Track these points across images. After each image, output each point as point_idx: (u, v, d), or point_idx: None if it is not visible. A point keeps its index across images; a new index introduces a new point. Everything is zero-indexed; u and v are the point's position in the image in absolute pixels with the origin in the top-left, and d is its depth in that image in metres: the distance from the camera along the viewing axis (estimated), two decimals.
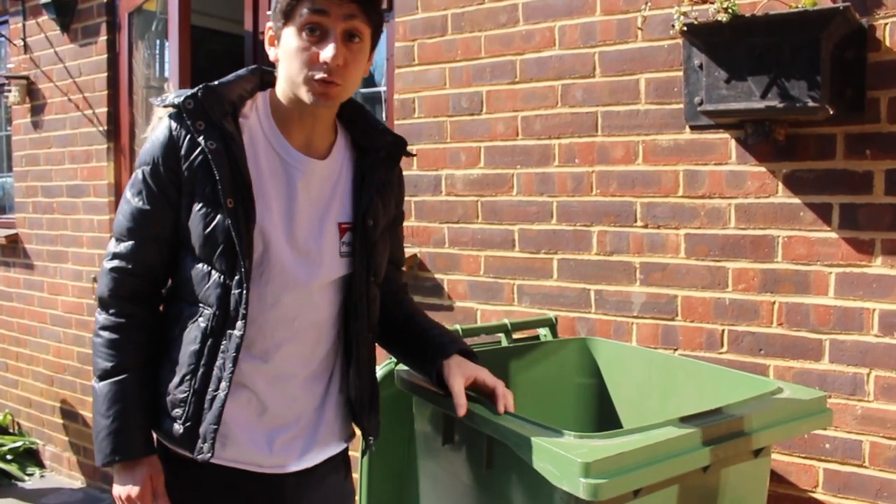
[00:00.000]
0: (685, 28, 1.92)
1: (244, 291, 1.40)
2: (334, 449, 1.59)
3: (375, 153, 1.54)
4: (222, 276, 1.41)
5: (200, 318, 1.43)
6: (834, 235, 1.98)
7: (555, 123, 2.40)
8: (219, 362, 1.42)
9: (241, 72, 1.50)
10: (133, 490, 1.45)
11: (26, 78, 4.19)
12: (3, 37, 4.41)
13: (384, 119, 2.91)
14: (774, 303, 2.06)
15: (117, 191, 3.75)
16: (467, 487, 1.67)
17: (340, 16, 1.37)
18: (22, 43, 4.22)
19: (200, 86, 1.42)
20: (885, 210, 1.91)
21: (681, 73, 2.15)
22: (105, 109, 3.77)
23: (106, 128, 3.76)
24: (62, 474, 4.24)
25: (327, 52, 1.36)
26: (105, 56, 3.79)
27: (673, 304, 2.21)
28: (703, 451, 1.42)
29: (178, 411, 1.43)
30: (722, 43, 1.92)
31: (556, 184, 2.40)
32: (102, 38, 3.80)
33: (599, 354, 2.11)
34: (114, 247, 1.45)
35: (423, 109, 2.68)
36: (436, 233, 2.67)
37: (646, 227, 2.25)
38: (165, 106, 1.42)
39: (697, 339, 2.18)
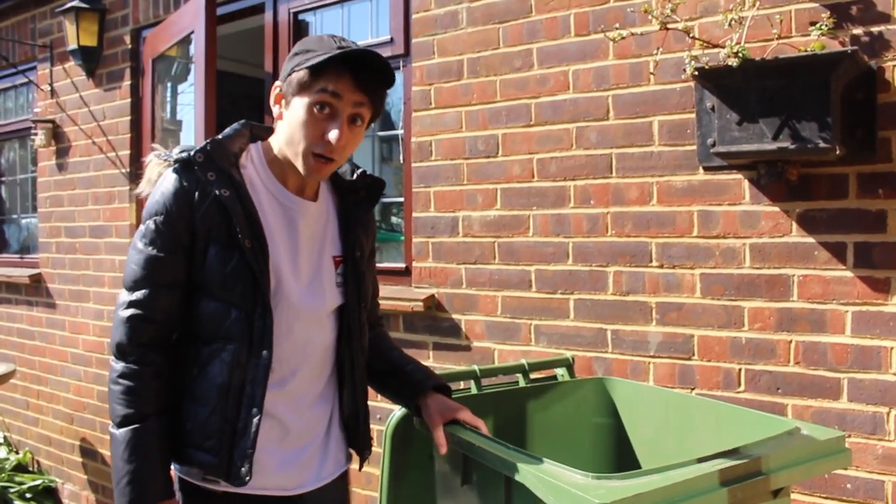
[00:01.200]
0: (696, 72, 1.96)
1: (269, 322, 1.50)
2: (341, 466, 1.70)
3: (355, 193, 1.68)
4: (244, 311, 1.50)
5: (224, 353, 1.50)
6: (849, 274, 1.99)
7: (570, 165, 2.44)
8: (247, 391, 1.50)
9: (236, 126, 1.60)
10: None
11: (52, 122, 4.30)
12: (32, 82, 4.54)
13: (402, 161, 2.96)
14: (791, 342, 2.07)
15: None
16: None
17: (351, 101, 1.48)
18: (49, 88, 4.34)
19: (208, 140, 1.53)
20: None
21: (693, 116, 2.19)
22: (128, 152, 3.86)
23: (128, 170, 3.85)
24: None
25: (333, 134, 1.47)
26: (129, 100, 3.89)
27: (689, 343, 2.22)
28: (721, 492, 1.42)
29: (210, 442, 1.49)
30: (733, 86, 1.96)
31: (572, 225, 2.43)
32: (126, 83, 3.91)
33: (616, 394, 2.11)
34: (127, 296, 1.49)
35: (440, 152, 2.73)
36: (453, 273, 2.70)
37: (661, 267, 2.27)
38: (175, 161, 1.51)
39: (714, 378, 2.19)
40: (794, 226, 2.06)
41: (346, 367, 1.65)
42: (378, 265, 3.03)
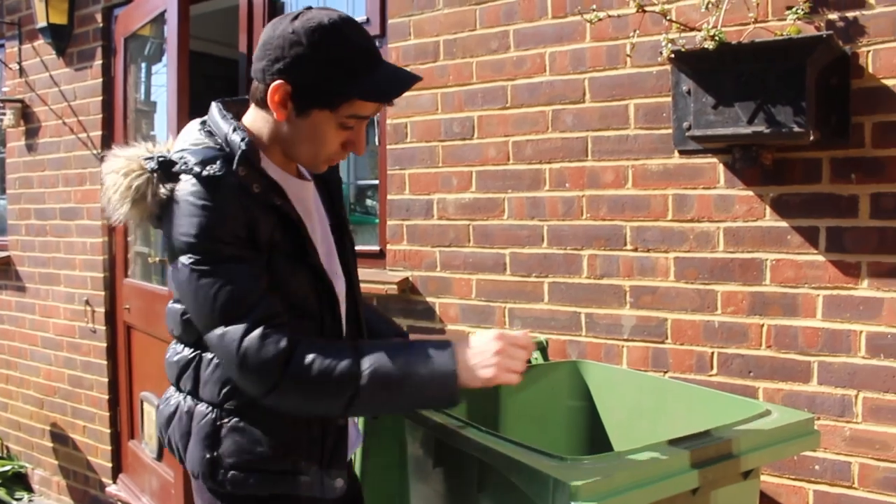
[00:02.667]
0: (673, 55, 1.96)
1: (339, 324, 1.51)
2: (354, 447, 1.68)
3: None
4: (317, 320, 1.45)
5: None
6: (821, 258, 2.00)
7: (545, 148, 2.43)
8: None
9: (221, 110, 1.45)
10: (499, 343, 1.36)
11: (21, 101, 4.21)
12: (0, 61, 4.44)
13: (377, 143, 2.93)
14: (763, 325, 2.08)
15: None
16: None
17: (374, 110, 1.43)
18: (18, 67, 4.24)
19: (242, 145, 1.36)
20: (870, 233, 1.94)
21: (669, 99, 2.19)
22: (99, 133, 3.79)
23: (100, 151, 3.78)
24: (51, 498, 4.21)
25: (360, 147, 1.44)
26: (100, 80, 3.81)
27: (663, 327, 2.23)
28: (691, 474, 1.43)
29: (298, 459, 1.44)
30: (709, 69, 1.95)
31: (547, 208, 2.43)
32: (98, 62, 3.83)
33: (590, 377, 2.12)
34: (239, 328, 1.31)
35: (415, 134, 2.71)
36: (427, 256, 2.69)
37: (636, 250, 2.27)
38: (213, 175, 1.34)
39: (687, 361, 2.20)
40: (768, 210, 2.07)
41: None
42: None
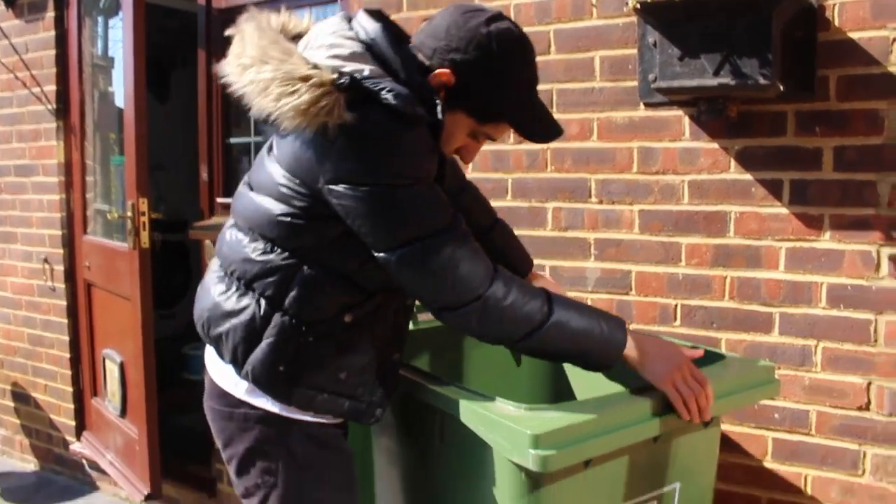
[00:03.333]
0: (639, 6, 1.92)
1: None
2: None
3: None
4: None
5: (391, 304, 1.51)
6: (785, 211, 2.01)
7: None
8: (399, 337, 1.58)
9: (410, 56, 1.40)
10: (684, 370, 1.42)
11: None
12: None
13: None
14: (726, 277, 2.09)
15: (67, 170, 3.66)
16: (421, 461, 1.68)
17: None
18: None
19: (438, 102, 1.36)
20: (833, 186, 1.94)
21: (635, 51, 2.16)
22: (53, 87, 3.66)
23: (55, 106, 3.66)
24: (14, 458, 4.16)
25: (469, 159, 1.52)
26: (53, 33, 3.66)
27: (627, 279, 2.23)
28: (652, 422, 1.44)
29: (362, 390, 1.50)
30: (675, 21, 1.92)
31: (512, 161, 2.40)
32: (50, 14, 3.68)
33: None
34: (444, 237, 1.34)
35: None
36: None
37: (600, 203, 2.26)
38: (415, 115, 1.32)
39: (651, 313, 2.20)
40: (733, 163, 2.06)
41: None
42: None
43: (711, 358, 1.72)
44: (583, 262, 2.29)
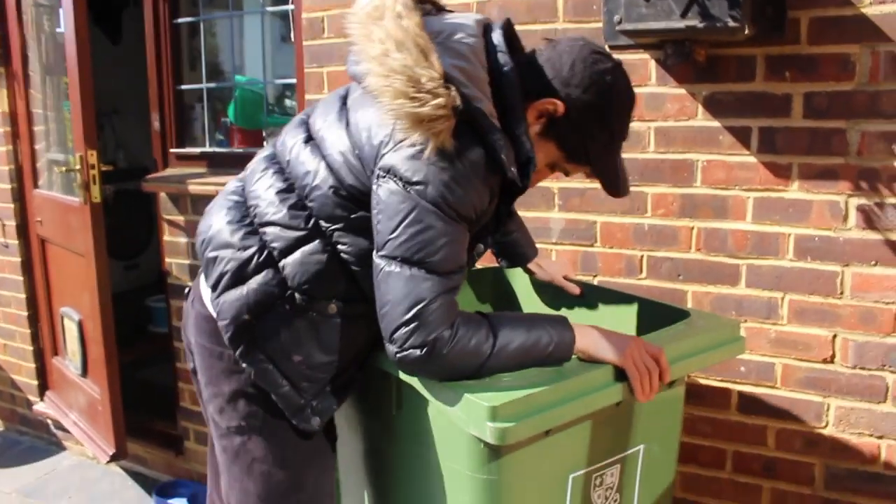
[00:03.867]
0: None
1: None
2: None
3: None
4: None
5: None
6: (752, 160, 1.95)
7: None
8: None
9: (521, 113, 1.41)
10: (638, 345, 1.41)
11: None
12: None
13: (293, 40, 2.74)
14: (693, 228, 2.04)
15: (13, 120, 3.49)
16: (379, 429, 1.63)
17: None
18: None
19: (531, 155, 1.40)
20: (802, 134, 1.88)
21: None
22: None
23: None
24: None
25: (535, 183, 1.52)
26: None
27: (592, 230, 2.17)
28: (615, 388, 1.40)
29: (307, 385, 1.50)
30: None
31: None
32: None
33: (517, 283, 2.06)
34: (443, 281, 1.32)
35: (332, 29, 2.52)
36: None
37: None
38: (499, 160, 1.35)
39: (617, 265, 2.15)
40: (700, 109, 1.99)
41: None
42: None
43: (676, 315, 1.67)
44: (547, 212, 2.22)
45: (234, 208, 1.51)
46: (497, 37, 1.44)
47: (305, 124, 1.52)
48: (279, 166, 1.50)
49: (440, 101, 1.26)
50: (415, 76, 1.27)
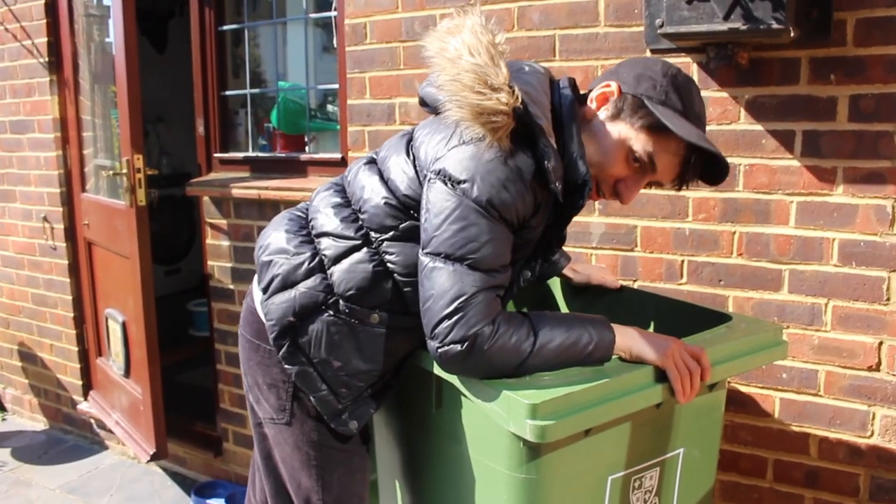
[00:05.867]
0: None
1: None
2: None
3: None
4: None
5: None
6: (796, 163, 1.92)
7: (511, 48, 2.29)
8: None
9: (574, 132, 1.45)
10: (679, 346, 1.41)
11: None
12: None
13: (335, 46, 2.77)
14: (735, 233, 2.02)
15: (63, 126, 3.59)
16: (417, 428, 1.64)
17: (664, 179, 1.48)
18: None
19: (587, 179, 1.41)
20: (847, 137, 1.85)
21: None
22: (45, 39, 3.57)
23: (47, 59, 3.57)
24: (24, 417, 4.19)
25: (626, 197, 1.48)
26: None
27: (632, 234, 2.16)
28: (655, 389, 1.39)
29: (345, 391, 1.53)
30: None
31: None
32: None
33: (557, 288, 2.06)
34: (487, 278, 1.33)
35: (374, 35, 2.55)
36: None
37: None
38: (548, 171, 1.37)
39: (657, 269, 2.14)
40: (743, 112, 1.97)
41: None
42: (313, 156, 2.91)
43: (717, 319, 1.66)
44: (587, 217, 2.22)
45: (294, 220, 1.59)
46: (563, 81, 1.52)
47: (372, 159, 1.59)
48: (341, 187, 1.59)
49: (503, 96, 1.31)
50: (483, 74, 1.32)
